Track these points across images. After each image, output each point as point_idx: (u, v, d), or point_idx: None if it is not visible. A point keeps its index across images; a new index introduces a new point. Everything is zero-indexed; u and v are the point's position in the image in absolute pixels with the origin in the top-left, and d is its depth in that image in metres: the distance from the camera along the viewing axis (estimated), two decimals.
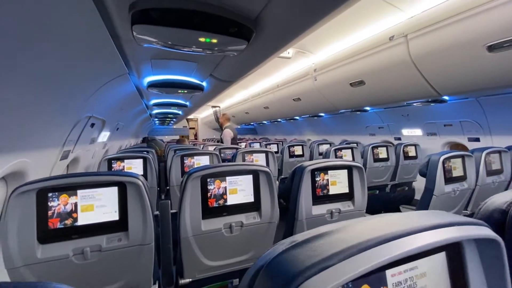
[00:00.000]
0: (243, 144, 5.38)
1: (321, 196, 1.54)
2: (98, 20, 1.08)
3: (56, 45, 1.14)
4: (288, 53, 3.60)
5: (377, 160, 3.26)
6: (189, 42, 1.25)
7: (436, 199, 1.91)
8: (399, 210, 3.47)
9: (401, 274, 0.40)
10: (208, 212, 1.31)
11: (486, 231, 0.44)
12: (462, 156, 2.05)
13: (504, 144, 2.74)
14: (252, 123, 9.97)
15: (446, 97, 2.96)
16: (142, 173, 2.39)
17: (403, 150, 3.45)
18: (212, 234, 1.30)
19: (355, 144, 3.88)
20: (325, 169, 1.54)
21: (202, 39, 1.21)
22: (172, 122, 9.51)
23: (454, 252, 0.45)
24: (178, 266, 1.35)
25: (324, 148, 4.14)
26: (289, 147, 3.89)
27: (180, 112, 6.18)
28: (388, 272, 0.39)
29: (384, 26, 2.56)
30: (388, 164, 3.34)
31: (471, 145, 3.26)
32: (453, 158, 2.01)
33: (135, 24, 1.04)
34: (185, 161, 2.56)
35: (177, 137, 10.97)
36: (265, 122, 8.50)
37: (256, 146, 5.04)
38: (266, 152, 2.82)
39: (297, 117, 6.35)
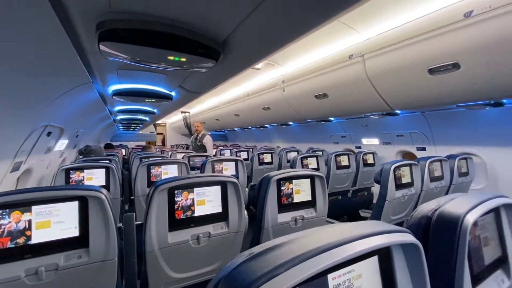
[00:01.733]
0: (214, 151, 5.36)
1: (286, 204, 1.62)
2: (62, 33, 1.04)
3: (11, 52, 1.08)
4: (258, 64, 3.71)
5: (339, 167, 3.48)
6: (158, 59, 1.27)
7: (388, 204, 2.12)
8: (359, 214, 3.73)
9: (341, 277, 0.47)
10: (175, 224, 1.30)
11: (407, 237, 0.54)
12: (410, 165, 2.31)
13: (445, 152, 3.12)
14: (223, 130, 9.93)
15: (398, 111, 3.30)
16: (104, 183, 2.28)
17: (363, 158, 3.73)
18: (179, 246, 1.29)
19: (320, 153, 4.10)
20: (290, 179, 1.63)
21: (171, 57, 1.24)
22: (138, 128, 9.07)
23: (384, 256, 0.54)
24: (143, 279, 1.31)
25: (292, 155, 4.30)
26: (258, 154, 3.97)
27: (147, 119, 5.96)
28: (330, 276, 0.46)
29: (345, 45, 2.79)
30: (349, 171, 3.57)
31: (419, 154, 3.65)
32: (402, 166, 2.25)
33: (103, 41, 1.03)
34: (151, 170, 2.49)
35: (143, 143, 10.47)
36: (236, 129, 8.53)
37: (227, 153, 5.06)
38: (236, 161, 2.86)
39: (267, 125, 6.51)
